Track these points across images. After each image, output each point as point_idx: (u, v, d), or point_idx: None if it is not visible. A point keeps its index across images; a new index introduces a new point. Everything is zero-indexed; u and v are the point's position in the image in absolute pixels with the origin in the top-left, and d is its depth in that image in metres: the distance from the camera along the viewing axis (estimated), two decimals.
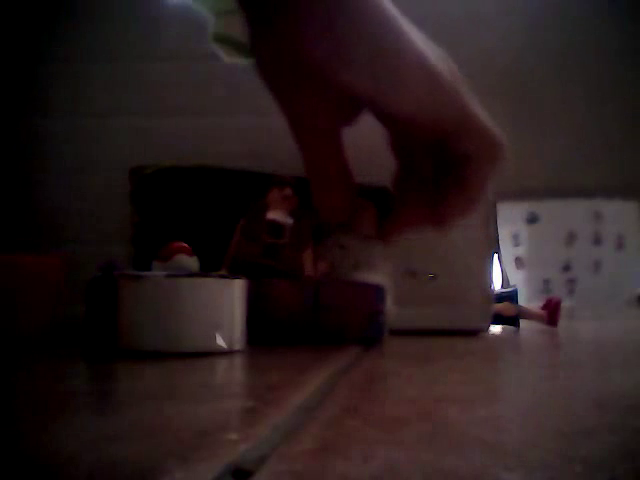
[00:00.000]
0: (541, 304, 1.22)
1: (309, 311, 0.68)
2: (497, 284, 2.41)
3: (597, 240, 2.85)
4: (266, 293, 0.65)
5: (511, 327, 1.10)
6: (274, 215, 0.87)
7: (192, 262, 0.56)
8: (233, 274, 0.60)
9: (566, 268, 2.84)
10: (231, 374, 0.48)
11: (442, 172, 0.29)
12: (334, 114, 0.28)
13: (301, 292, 0.69)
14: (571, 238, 2.85)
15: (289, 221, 0.87)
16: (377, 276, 0.77)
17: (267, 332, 0.59)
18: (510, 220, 2.85)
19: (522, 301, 1.19)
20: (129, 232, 0.92)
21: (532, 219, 2.92)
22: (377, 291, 0.70)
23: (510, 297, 1.13)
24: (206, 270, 0.58)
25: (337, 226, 0.84)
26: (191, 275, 0.54)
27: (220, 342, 0.53)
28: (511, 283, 2.76)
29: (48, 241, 0.90)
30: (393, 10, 0.24)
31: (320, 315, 0.68)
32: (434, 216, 0.29)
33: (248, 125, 0.93)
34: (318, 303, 0.68)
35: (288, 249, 0.84)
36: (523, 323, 1.13)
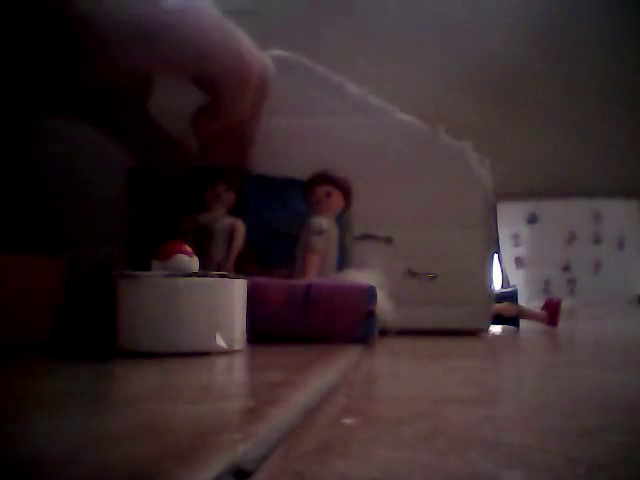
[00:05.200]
0: (541, 304, 1.22)
1: (299, 311, 0.68)
2: (497, 284, 2.41)
3: (597, 240, 2.85)
4: (255, 292, 0.64)
5: (511, 327, 1.10)
6: (204, 218, 0.85)
7: (192, 262, 0.56)
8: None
9: (566, 268, 2.84)
10: (231, 374, 0.48)
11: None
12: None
13: (291, 292, 0.69)
14: (571, 238, 2.86)
15: (223, 222, 0.85)
16: (369, 273, 0.76)
17: (256, 331, 0.59)
18: (510, 220, 2.85)
19: (522, 301, 1.18)
20: (126, 232, 0.92)
21: (532, 219, 2.92)
22: (368, 291, 0.69)
23: (510, 297, 1.13)
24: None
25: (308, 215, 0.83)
26: (191, 275, 0.54)
27: (220, 342, 0.52)
28: (511, 283, 2.75)
29: (47, 241, 0.90)
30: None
31: (310, 315, 0.68)
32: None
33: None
34: (308, 303, 0.68)
35: (218, 251, 0.83)
36: (523, 323, 1.13)
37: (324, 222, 0.84)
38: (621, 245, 2.80)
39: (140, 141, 0.26)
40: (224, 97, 0.29)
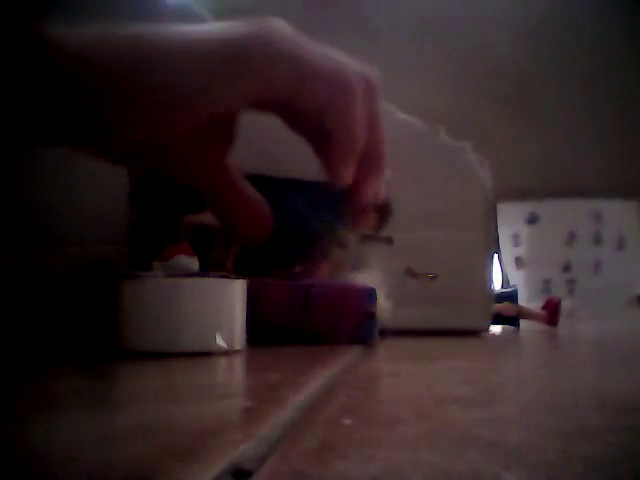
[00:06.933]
0: (541, 304, 1.22)
1: (299, 312, 0.68)
2: (497, 284, 2.41)
3: (597, 240, 2.85)
4: (256, 293, 0.64)
5: (511, 327, 1.10)
6: (202, 218, 0.85)
7: (192, 262, 0.56)
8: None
9: (566, 268, 2.84)
10: (231, 374, 0.48)
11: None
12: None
13: (291, 293, 0.69)
14: (571, 238, 2.86)
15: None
16: (369, 274, 0.76)
17: (257, 332, 0.59)
18: (510, 220, 2.85)
19: (522, 301, 1.19)
20: (127, 232, 0.92)
21: (532, 219, 2.92)
22: (368, 292, 0.69)
23: (510, 297, 1.13)
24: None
25: (339, 225, 0.83)
26: (191, 275, 0.54)
27: (220, 342, 0.53)
28: (511, 283, 2.75)
29: (47, 241, 0.90)
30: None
31: (310, 316, 0.68)
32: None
33: (251, 126, 0.93)
34: (308, 304, 0.68)
35: (217, 252, 0.83)
36: (523, 323, 1.13)
37: (351, 237, 0.84)
38: (621, 245, 2.80)
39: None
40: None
